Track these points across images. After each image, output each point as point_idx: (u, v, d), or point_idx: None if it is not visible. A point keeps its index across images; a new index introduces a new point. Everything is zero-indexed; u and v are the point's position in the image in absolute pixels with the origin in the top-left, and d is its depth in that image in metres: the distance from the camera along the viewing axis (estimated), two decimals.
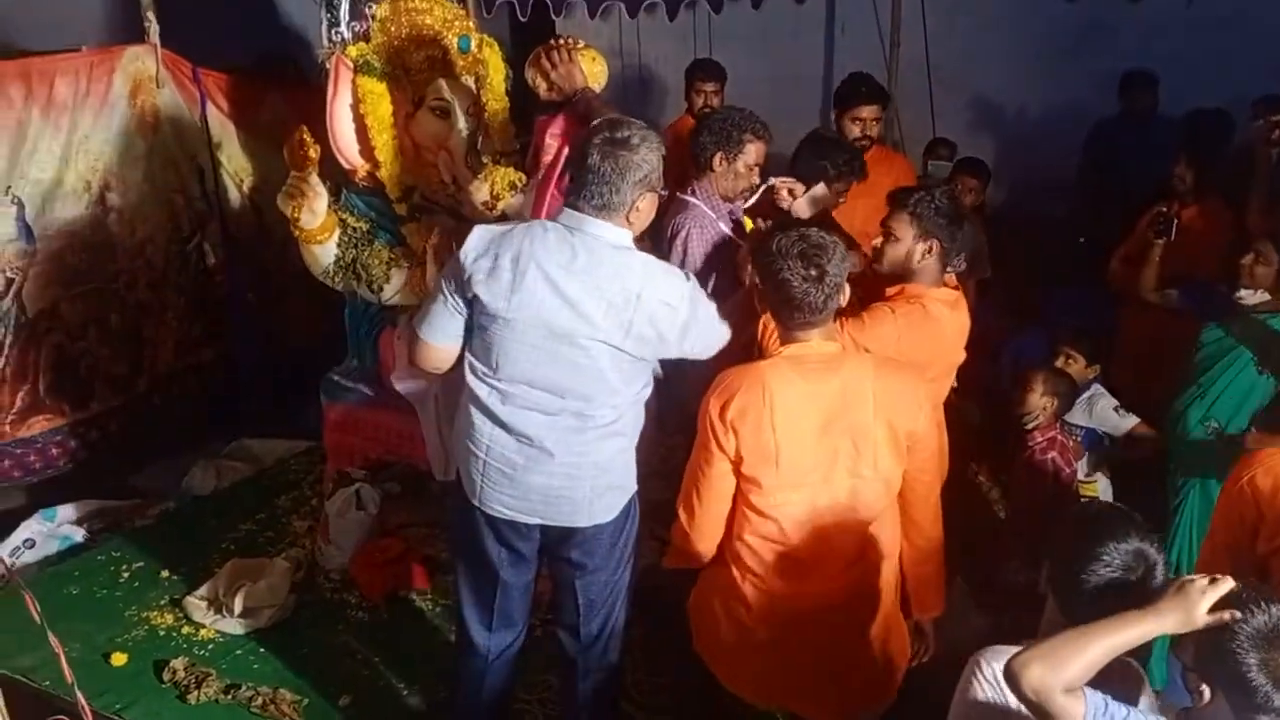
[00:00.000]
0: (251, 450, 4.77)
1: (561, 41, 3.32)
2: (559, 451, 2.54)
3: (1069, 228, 5.53)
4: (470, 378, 2.57)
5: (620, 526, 2.68)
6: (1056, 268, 5.35)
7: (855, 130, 4.30)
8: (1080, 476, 3.74)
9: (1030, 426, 3.58)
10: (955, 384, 4.38)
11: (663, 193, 2.61)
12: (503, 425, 2.55)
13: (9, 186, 4.01)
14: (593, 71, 3.29)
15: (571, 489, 2.58)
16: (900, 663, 2.66)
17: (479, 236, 2.51)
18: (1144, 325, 4.31)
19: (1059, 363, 3.78)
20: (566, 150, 3.15)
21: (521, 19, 6.04)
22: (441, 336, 2.57)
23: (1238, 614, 1.78)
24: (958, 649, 2.23)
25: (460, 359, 2.63)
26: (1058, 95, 5.83)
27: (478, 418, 2.58)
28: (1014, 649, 1.90)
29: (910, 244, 2.91)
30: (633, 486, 2.68)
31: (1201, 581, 1.84)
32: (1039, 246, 5.50)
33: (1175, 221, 4.01)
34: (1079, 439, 3.82)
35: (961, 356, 3.15)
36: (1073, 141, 5.52)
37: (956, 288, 3.08)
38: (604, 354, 2.47)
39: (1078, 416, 3.81)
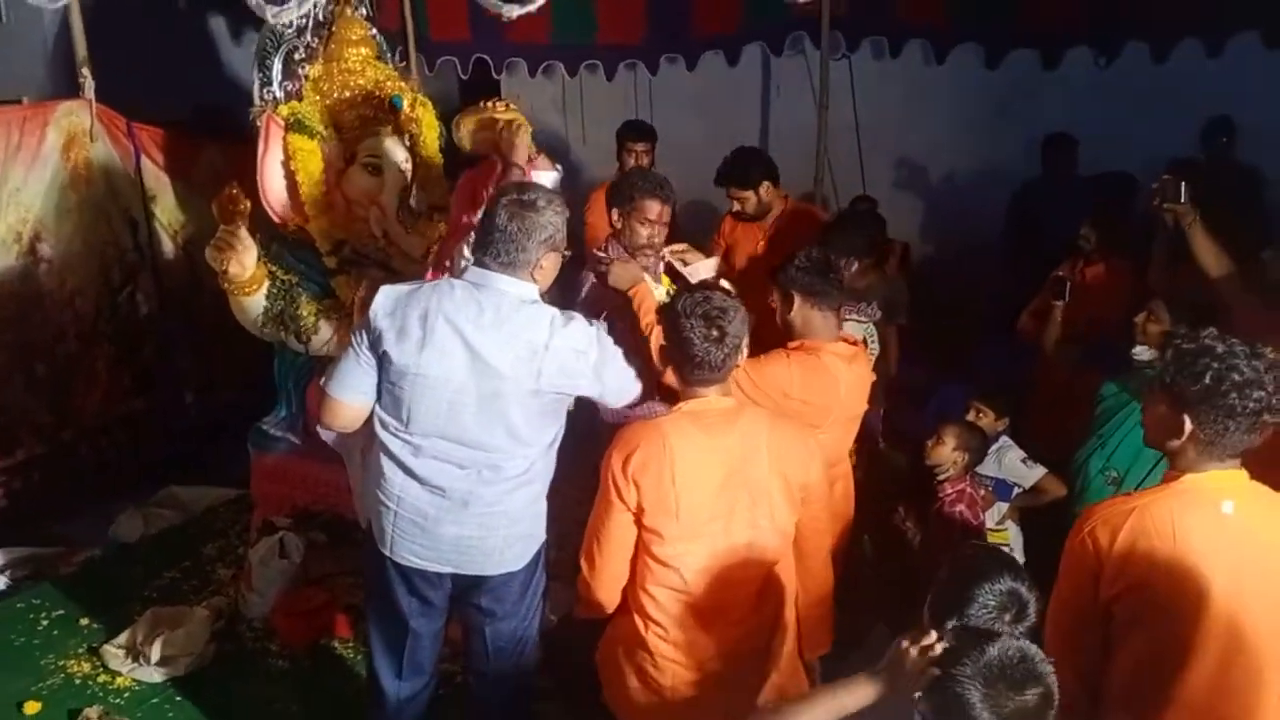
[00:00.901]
0: (180, 498, 4.77)
1: (491, 105, 3.40)
2: (471, 502, 2.61)
3: (993, 282, 5.70)
4: (381, 432, 2.63)
5: (530, 574, 2.75)
6: (981, 321, 5.54)
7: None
8: (990, 525, 3.85)
9: (941, 478, 3.69)
10: (881, 430, 4.55)
11: (566, 254, 2.71)
12: (415, 477, 2.61)
13: None
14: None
15: (483, 539, 2.64)
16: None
17: (386, 296, 2.58)
18: (1056, 377, 4.46)
19: (970, 416, 3.90)
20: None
21: (463, 77, 6.21)
22: (352, 394, 2.61)
23: (935, 670, 1.82)
24: None
25: (369, 416, 2.68)
26: (983, 157, 6.05)
27: (389, 470, 2.63)
28: None
29: (781, 306, 3.14)
30: (542, 535, 2.75)
31: (908, 644, 1.90)
32: (965, 301, 5.71)
33: (1069, 284, 4.20)
34: (990, 489, 3.93)
35: (862, 408, 3.28)
36: (998, 200, 5.73)
37: (854, 343, 3.24)
38: (514, 406, 2.54)
39: (988, 468, 3.92)
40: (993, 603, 2.09)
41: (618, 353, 2.67)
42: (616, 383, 2.67)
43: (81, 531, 4.59)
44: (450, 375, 2.51)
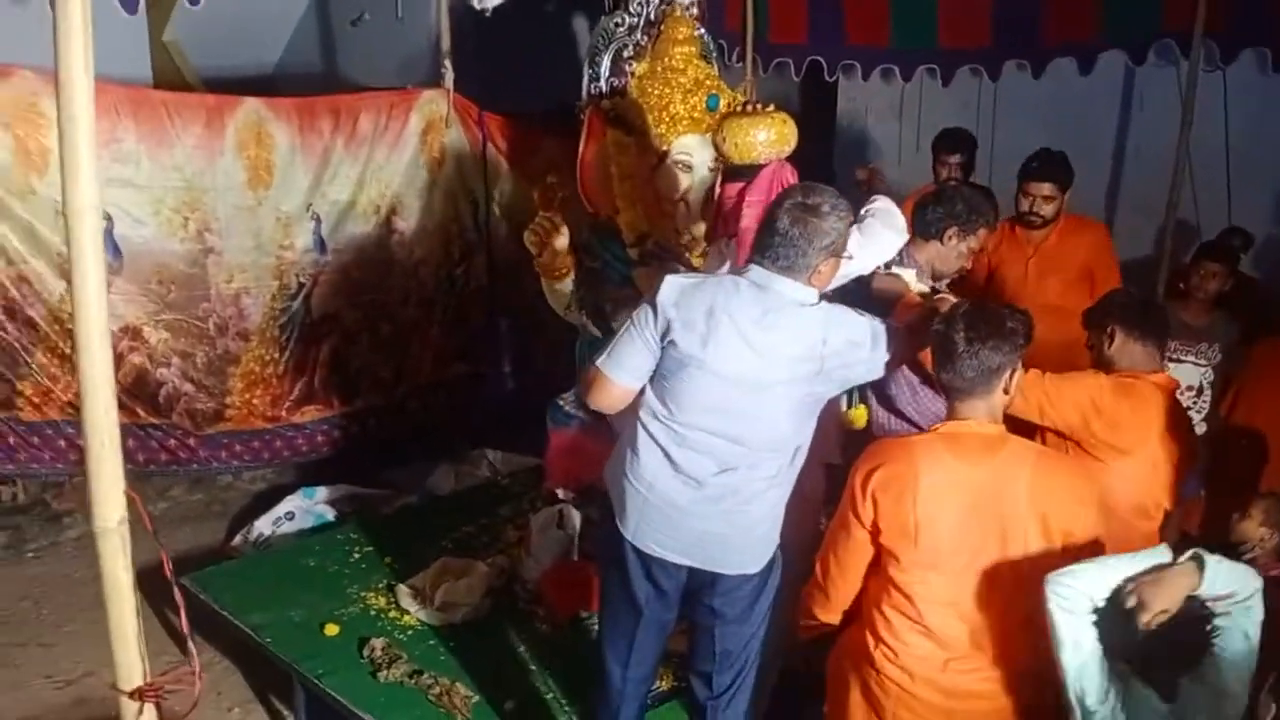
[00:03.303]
0: (490, 460, 5.17)
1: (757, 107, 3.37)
2: (724, 497, 2.64)
3: None
4: (646, 418, 2.70)
5: (764, 579, 2.74)
6: None
7: (1025, 205, 4.41)
8: None
9: (1245, 558, 3.26)
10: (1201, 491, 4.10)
11: (847, 258, 2.69)
12: (673, 466, 2.66)
13: (310, 204, 4.63)
14: (783, 134, 3.32)
15: (727, 536, 2.67)
16: None
17: (671, 286, 2.65)
18: None
19: None
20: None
21: (795, 78, 6.22)
22: (629, 377, 2.68)
23: None
24: None
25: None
26: None
27: (646, 455, 2.70)
28: None
29: (1096, 341, 3.01)
30: (776, 540, 2.74)
31: None
32: None
33: None
34: None
35: (1185, 454, 2.98)
36: None
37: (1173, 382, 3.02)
38: (784, 405, 2.58)
39: None
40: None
41: (886, 330, 2.65)
42: (889, 354, 2.65)
43: (404, 480, 5.10)
44: (729, 370, 2.56)
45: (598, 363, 2.75)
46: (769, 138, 3.21)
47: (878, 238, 3.11)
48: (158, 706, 1.76)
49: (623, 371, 2.69)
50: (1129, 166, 6.01)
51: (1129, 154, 6.07)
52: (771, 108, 3.36)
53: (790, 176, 3.35)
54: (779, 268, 2.56)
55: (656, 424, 2.67)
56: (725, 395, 2.58)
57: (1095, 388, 2.88)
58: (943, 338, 2.42)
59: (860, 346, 2.60)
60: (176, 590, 1.84)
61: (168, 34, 7.24)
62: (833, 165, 7.36)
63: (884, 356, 2.64)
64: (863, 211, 3.21)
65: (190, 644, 1.81)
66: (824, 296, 2.68)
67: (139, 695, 1.73)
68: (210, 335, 4.54)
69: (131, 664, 1.74)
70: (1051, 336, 4.04)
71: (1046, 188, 4.34)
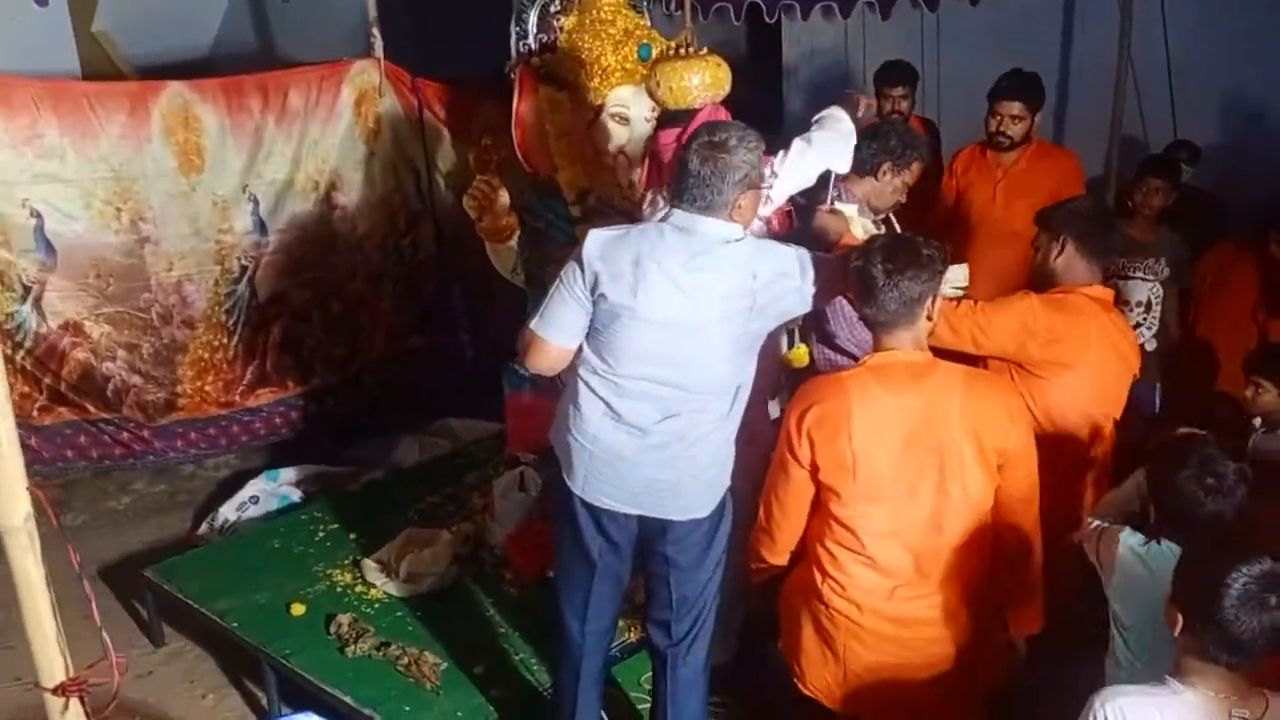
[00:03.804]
0: (453, 429, 5.13)
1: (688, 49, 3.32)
2: (668, 444, 2.63)
3: None
4: (585, 373, 2.68)
5: (716, 523, 2.74)
6: None
7: (993, 125, 4.38)
8: None
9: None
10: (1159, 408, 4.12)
11: (765, 187, 2.67)
12: (616, 417, 2.65)
13: (246, 185, 4.57)
14: (717, 78, 3.27)
15: (675, 482, 2.66)
16: (989, 687, 2.56)
17: (596, 239, 2.63)
18: None
19: (1248, 393, 3.43)
20: None
21: (736, 22, 6.14)
22: (563, 336, 2.66)
23: None
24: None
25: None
26: None
27: (588, 409, 2.68)
28: (1137, 688, 1.90)
29: (1045, 247, 2.97)
30: (727, 483, 2.73)
31: None
32: None
33: None
34: None
35: (1125, 364, 2.99)
36: None
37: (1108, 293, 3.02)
38: (723, 345, 2.57)
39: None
40: (1254, 588, 1.88)
41: (813, 260, 2.64)
42: (818, 284, 2.63)
43: (369, 455, 5.07)
44: (661, 316, 2.55)
45: (531, 325, 2.73)
46: (703, 81, 3.17)
47: (826, 144, 3.11)
48: (81, 700, 1.74)
49: (557, 331, 2.67)
50: (1074, 87, 5.99)
51: (1073, 74, 6.04)
52: (705, 50, 3.31)
53: (726, 119, 3.31)
54: (698, 208, 2.54)
55: (595, 378, 2.66)
56: (661, 342, 2.56)
57: (1026, 310, 2.86)
58: (861, 273, 2.41)
59: (789, 276, 2.59)
60: (85, 584, 1.81)
61: (96, 24, 7.11)
62: (783, 111, 7.31)
63: (813, 286, 2.63)
64: (814, 119, 3.23)
65: (105, 636, 1.78)
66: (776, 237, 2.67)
67: (62, 691, 1.71)
68: (154, 325, 4.49)
69: (52, 660, 1.71)
70: (1015, 261, 4.05)
71: (1015, 107, 4.32)
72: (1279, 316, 4.20)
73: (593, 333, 2.65)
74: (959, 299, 2.90)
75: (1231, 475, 2.26)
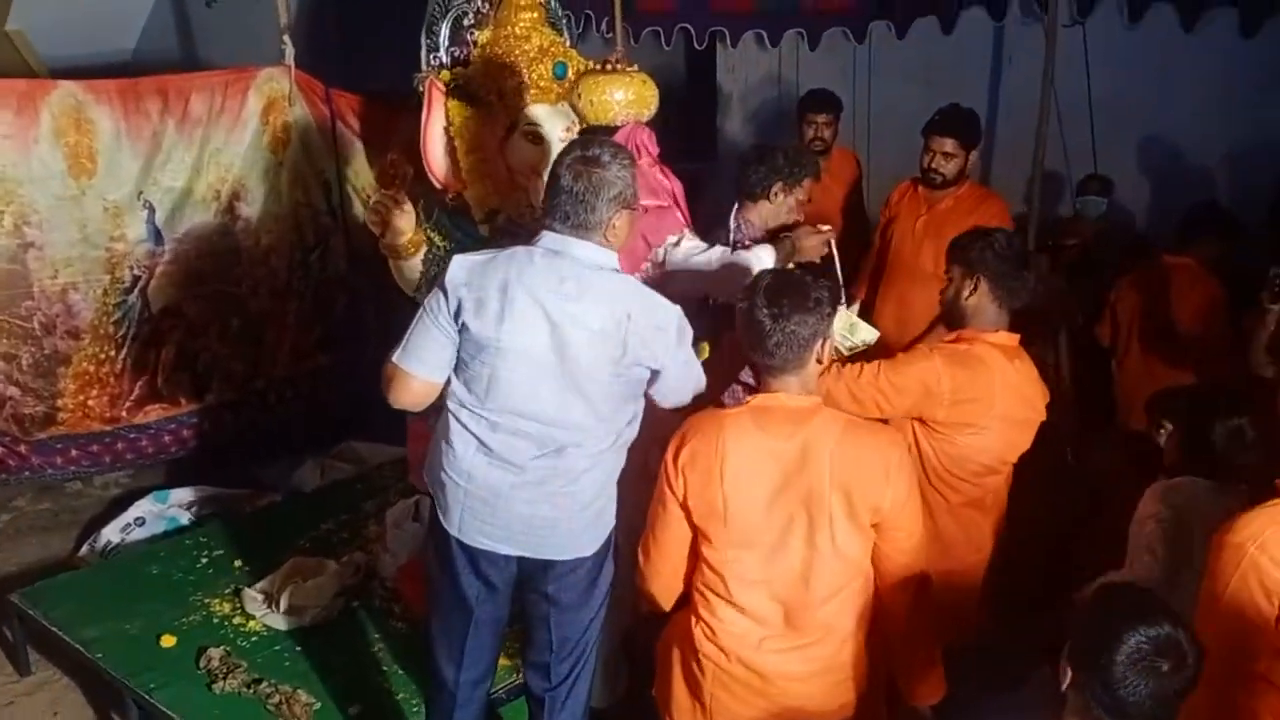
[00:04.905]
0: (358, 453, 4.94)
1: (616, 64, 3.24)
2: (546, 480, 2.49)
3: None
4: (454, 407, 2.54)
5: (599, 562, 2.61)
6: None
7: (926, 160, 4.29)
8: None
9: None
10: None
11: (639, 208, 2.56)
12: (489, 454, 2.51)
13: (141, 191, 4.37)
14: (641, 95, 3.19)
15: (555, 520, 2.53)
16: None
17: (461, 265, 2.49)
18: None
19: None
20: None
21: (665, 46, 6.08)
22: (426, 369, 2.51)
23: None
24: None
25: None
26: (1237, 140, 5.27)
27: (460, 446, 2.54)
28: None
29: (958, 282, 2.85)
30: (612, 521, 2.61)
31: None
32: None
33: None
34: None
35: (1030, 414, 2.90)
36: (1258, 188, 4.97)
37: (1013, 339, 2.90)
38: (595, 381, 2.43)
39: None
40: (1147, 648, 1.78)
41: (689, 348, 2.51)
42: (676, 377, 2.51)
43: (272, 477, 4.88)
44: (531, 349, 2.40)
45: (393, 358, 2.55)
46: (626, 98, 3.09)
47: (734, 270, 3.03)
48: None
49: (419, 364, 2.51)
50: (1001, 123, 6.02)
51: (1001, 110, 6.08)
52: (635, 68, 3.22)
53: (647, 140, 3.23)
54: (570, 227, 2.42)
55: (465, 412, 2.51)
56: (529, 378, 2.42)
57: (928, 371, 2.73)
58: (747, 318, 2.29)
59: (664, 333, 2.46)
60: None
61: (10, 22, 6.87)
62: (716, 138, 7.27)
63: (687, 355, 2.52)
64: (753, 249, 3.15)
65: None
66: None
67: None
68: (36, 335, 4.25)
69: None
70: (922, 303, 3.98)
71: (948, 143, 4.23)
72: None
73: (460, 365, 2.50)
74: (861, 363, 2.79)
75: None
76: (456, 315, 2.45)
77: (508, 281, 2.41)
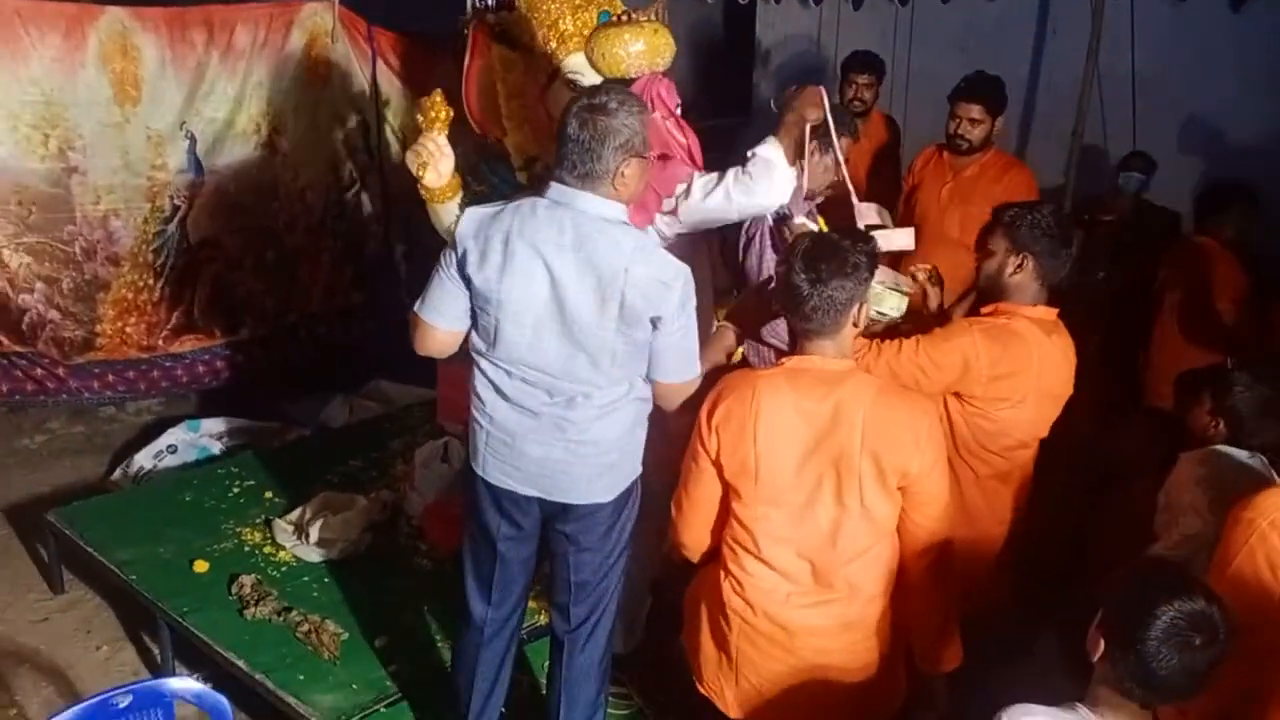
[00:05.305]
0: (386, 392, 5.01)
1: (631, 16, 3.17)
2: (562, 426, 2.52)
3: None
4: (475, 355, 2.59)
5: (618, 510, 2.64)
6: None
7: (952, 126, 4.33)
8: None
9: None
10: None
11: (649, 156, 2.52)
12: (506, 398, 2.56)
13: (184, 122, 4.39)
14: (654, 45, 3.12)
15: (570, 464, 2.56)
16: (879, 715, 2.50)
17: (471, 217, 2.50)
18: None
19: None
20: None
21: (707, 1, 6.04)
22: (445, 320, 2.54)
23: None
24: None
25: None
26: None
27: (484, 391, 2.60)
28: (1045, 710, 1.84)
29: (1002, 257, 2.82)
30: (636, 470, 2.64)
31: None
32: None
33: None
34: None
35: (1064, 389, 2.93)
36: None
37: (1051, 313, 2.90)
38: (594, 337, 2.42)
39: None
40: (1181, 623, 1.82)
41: (691, 318, 2.47)
42: (677, 351, 2.47)
43: (300, 412, 4.93)
44: (531, 302, 2.42)
45: (416, 307, 2.59)
46: (640, 49, 3.03)
47: (747, 193, 2.92)
48: None
49: (438, 315, 2.55)
50: (1041, 94, 5.96)
51: (1042, 81, 6.01)
52: (651, 17, 3.17)
53: (665, 91, 3.17)
54: (577, 177, 2.39)
55: (483, 360, 2.56)
56: (534, 328, 2.43)
57: (968, 346, 2.73)
58: (785, 282, 2.31)
59: (669, 289, 2.39)
60: None
61: None
62: (751, 94, 7.23)
63: (687, 323, 2.45)
64: (749, 153, 2.99)
65: None
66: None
67: None
68: (77, 260, 4.31)
69: None
70: (947, 269, 3.98)
71: (975, 109, 4.25)
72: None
73: (474, 315, 2.53)
74: (900, 339, 2.78)
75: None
76: (461, 267, 2.47)
77: (510, 233, 2.41)
